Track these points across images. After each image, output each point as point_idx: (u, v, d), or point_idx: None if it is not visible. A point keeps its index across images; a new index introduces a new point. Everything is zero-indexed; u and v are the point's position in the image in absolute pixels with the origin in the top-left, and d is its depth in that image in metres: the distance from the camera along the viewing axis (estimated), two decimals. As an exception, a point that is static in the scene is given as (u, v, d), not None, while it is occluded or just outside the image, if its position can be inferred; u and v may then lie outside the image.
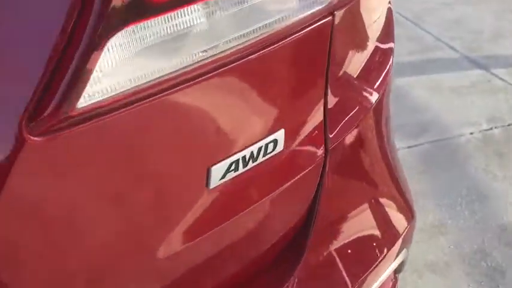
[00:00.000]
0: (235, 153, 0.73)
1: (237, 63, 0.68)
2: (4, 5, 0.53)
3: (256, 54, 0.70)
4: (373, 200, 0.95)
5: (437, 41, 3.42)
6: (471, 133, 2.60)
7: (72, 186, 0.61)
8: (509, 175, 2.36)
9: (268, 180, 0.79)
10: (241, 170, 0.75)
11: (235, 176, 0.75)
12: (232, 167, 0.73)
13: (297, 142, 0.81)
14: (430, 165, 2.42)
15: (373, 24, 0.88)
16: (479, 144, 2.53)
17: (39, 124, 0.56)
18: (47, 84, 0.55)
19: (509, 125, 2.65)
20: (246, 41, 0.67)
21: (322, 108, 0.82)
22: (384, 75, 0.91)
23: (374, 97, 0.90)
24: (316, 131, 0.82)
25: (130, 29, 0.57)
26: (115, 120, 0.61)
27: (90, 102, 0.57)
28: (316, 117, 0.82)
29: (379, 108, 0.92)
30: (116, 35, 0.56)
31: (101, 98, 0.58)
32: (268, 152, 0.77)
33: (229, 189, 0.75)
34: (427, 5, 3.80)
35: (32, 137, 0.56)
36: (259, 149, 0.76)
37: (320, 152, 0.84)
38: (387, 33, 0.94)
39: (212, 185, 0.72)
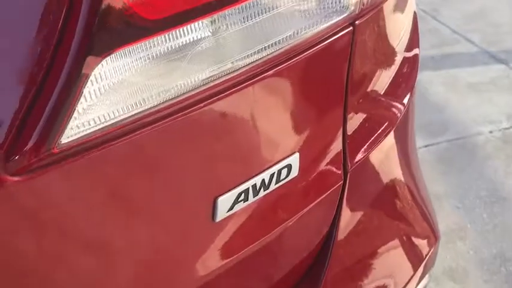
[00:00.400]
0: (244, 181, 0.66)
1: (247, 83, 0.60)
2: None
3: (268, 73, 0.62)
4: (394, 226, 0.87)
5: (454, 34, 3.31)
6: (490, 132, 2.51)
7: (57, 228, 0.54)
8: (530, 176, 2.29)
9: (281, 209, 0.71)
10: (251, 199, 0.67)
11: (245, 207, 0.67)
12: (241, 197, 0.66)
13: (313, 166, 0.73)
14: (448, 165, 2.35)
15: (400, 32, 0.80)
16: (499, 144, 2.45)
17: (17, 162, 0.48)
18: (25, 118, 0.47)
19: (530, 123, 2.57)
20: (257, 60, 0.59)
21: (341, 128, 0.74)
22: (410, 88, 0.82)
23: (398, 113, 0.82)
24: (334, 153, 0.74)
25: (120, 52, 0.49)
26: (105, 153, 0.53)
27: (74, 137, 0.50)
28: (334, 138, 0.74)
29: (402, 124, 0.84)
30: (102, 61, 0.48)
31: (87, 132, 0.50)
32: (281, 178, 0.69)
33: (238, 221, 0.67)
34: (444, -4, 3.70)
35: (9, 177, 0.49)
36: (272, 176, 0.68)
37: (338, 175, 0.76)
38: (413, 40, 0.85)
39: (218, 218, 0.65)
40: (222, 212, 0.64)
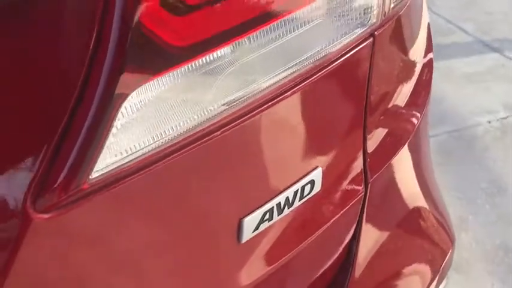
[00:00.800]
0: (269, 200, 0.64)
1: (271, 103, 0.59)
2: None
3: (291, 91, 0.61)
4: (414, 233, 0.87)
5: (449, 23, 3.31)
6: (489, 122, 2.52)
7: (87, 262, 0.53)
8: (530, 166, 2.30)
9: (305, 224, 0.70)
10: (275, 218, 0.66)
11: (269, 226, 0.66)
12: (266, 217, 0.65)
13: (335, 179, 0.72)
14: (448, 157, 2.35)
15: (417, 40, 0.78)
16: (497, 134, 2.45)
17: (46, 200, 0.47)
18: (55, 155, 0.46)
19: (528, 112, 2.58)
20: (282, 79, 0.58)
21: (361, 139, 0.73)
22: (427, 94, 0.81)
23: (416, 121, 0.81)
24: (356, 165, 0.73)
25: (149, 83, 0.47)
26: (134, 183, 0.52)
27: (103, 172, 0.48)
28: (355, 150, 0.73)
29: (419, 131, 0.83)
30: (132, 93, 0.46)
31: (116, 165, 0.49)
32: (305, 194, 0.68)
33: (263, 240, 0.66)
34: (437, -14, 3.69)
35: (38, 214, 0.47)
36: (295, 193, 0.67)
37: (360, 187, 0.75)
38: (428, 45, 0.84)
39: (244, 239, 0.63)
40: (247, 233, 0.63)
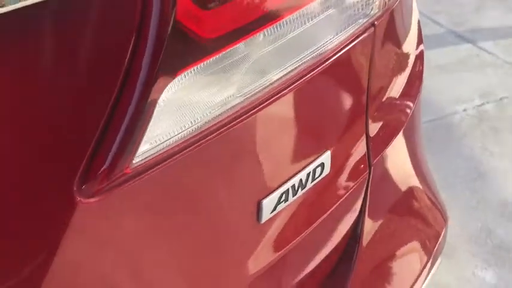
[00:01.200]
0: (285, 182, 0.69)
1: (283, 92, 0.64)
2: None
3: (301, 81, 0.65)
4: (410, 212, 0.92)
5: (422, 16, 3.38)
6: (464, 110, 2.59)
7: (132, 242, 0.56)
8: (506, 151, 2.37)
9: (317, 204, 0.75)
10: (291, 199, 0.70)
11: (285, 206, 0.70)
12: (283, 198, 0.69)
13: (342, 162, 0.77)
14: (428, 146, 2.39)
15: (410, 30, 0.83)
16: (474, 121, 2.52)
17: (91, 185, 0.50)
18: (99, 142, 0.49)
19: (501, 98, 2.65)
20: (294, 69, 0.62)
21: (364, 123, 0.77)
22: (420, 85, 0.87)
23: (410, 108, 0.86)
24: (360, 148, 0.78)
25: (184, 73, 0.51)
26: (167, 168, 0.55)
27: (145, 156, 0.52)
28: (359, 134, 0.78)
29: (413, 117, 0.88)
30: (170, 83, 0.50)
31: (156, 150, 0.53)
32: (316, 176, 0.72)
33: (280, 220, 0.70)
34: (405, -21, 3.76)
35: (84, 199, 0.51)
36: (308, 175, 0.71)
37: (364, 168, 0.80)
38: (419, 38, 0.89)
39: (263, 219, 0.68)
40: (266, 214, 0.68)
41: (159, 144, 0.54)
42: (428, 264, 0.94)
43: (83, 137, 0.49)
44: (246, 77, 0.58)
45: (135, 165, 0.52)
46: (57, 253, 0.52)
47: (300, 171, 0.70)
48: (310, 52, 0.63)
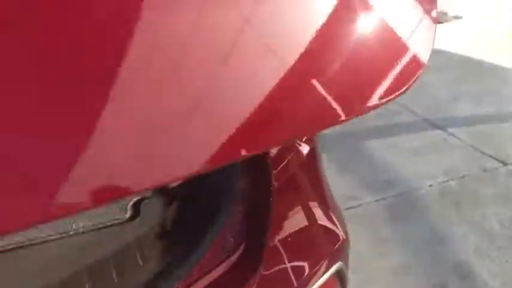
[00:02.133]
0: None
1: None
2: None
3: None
4: (311, 219, 0.96)
5: (400, 106, 3.75)
6: (430, 185, 2.87)
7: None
8: (464, 220, 2.62)
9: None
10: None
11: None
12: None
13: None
14: (396, 215, 2.68)
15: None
16: (437, 195, 2.80)
17: None
18: None
19: (463, 176, 2.94)
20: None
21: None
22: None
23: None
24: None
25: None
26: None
27: None
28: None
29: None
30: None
31: None
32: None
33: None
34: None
35: None
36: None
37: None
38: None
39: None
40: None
41: None
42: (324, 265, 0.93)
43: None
44: None
45: None
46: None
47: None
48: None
